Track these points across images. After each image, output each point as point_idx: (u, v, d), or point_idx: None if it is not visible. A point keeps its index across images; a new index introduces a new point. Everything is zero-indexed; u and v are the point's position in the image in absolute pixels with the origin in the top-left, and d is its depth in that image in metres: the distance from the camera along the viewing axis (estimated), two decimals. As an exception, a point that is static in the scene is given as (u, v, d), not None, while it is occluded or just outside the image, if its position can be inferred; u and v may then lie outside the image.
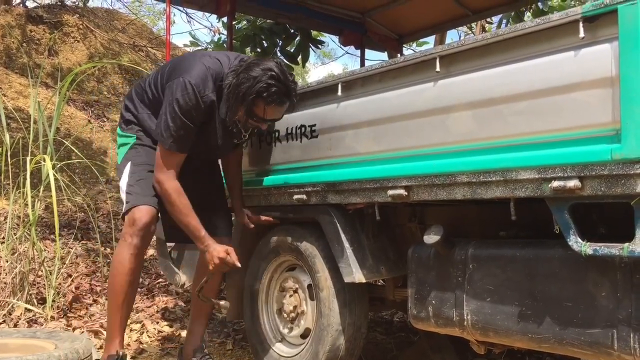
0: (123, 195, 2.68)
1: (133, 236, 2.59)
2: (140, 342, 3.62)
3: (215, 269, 2.64)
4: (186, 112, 2.51)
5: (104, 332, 3.75)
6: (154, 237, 4.00)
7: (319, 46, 6.01)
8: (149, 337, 3.69)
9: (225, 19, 4.78)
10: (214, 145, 2.71)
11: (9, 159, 4.00)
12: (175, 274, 3.55)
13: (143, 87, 2.78)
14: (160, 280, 4.76)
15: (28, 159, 3.92)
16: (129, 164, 2.70)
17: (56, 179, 4.02)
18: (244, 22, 5.79)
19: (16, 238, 3.95)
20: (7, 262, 3.88)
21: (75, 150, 4.33)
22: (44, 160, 3.90)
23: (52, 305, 3.82)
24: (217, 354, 3.52)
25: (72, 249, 4.79)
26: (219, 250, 2.58)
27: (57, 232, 3.85)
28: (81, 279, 4.43)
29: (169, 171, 2.58)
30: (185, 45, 10.49)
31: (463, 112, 2.10)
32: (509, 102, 1.96)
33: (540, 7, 5.56)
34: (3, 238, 4.11)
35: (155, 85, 2.71)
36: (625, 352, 1.77)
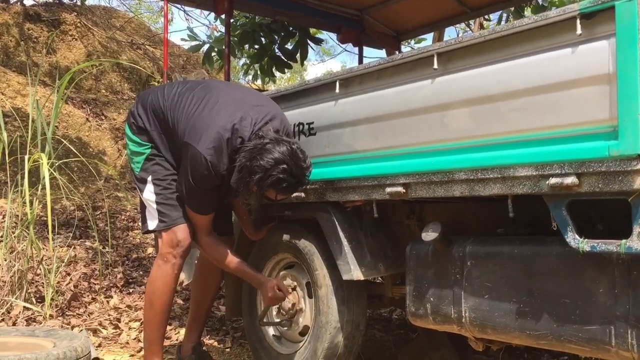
0: (152, 211, 2.73)
1: (177, 257, 2.70)
2: (139, 340, 3.62)
3: (270, 304, 2.80)
4: (202, 183, 2.55)
5: (103, 331, 3.76)
6: (153, 235, 4.00)
7: (318, 44, 6.00)
8: (147, 335, 3.68)
9: (223, 17, 4.76)
10: (224, 195, 2.75)
11: (6, 158, 4.00)
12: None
13: (160, 105, 2.73)
14: (159, 278, 4.75)
15: (26, 157, 3.91)
16: (150, 177, 2.73)
17: (54, 178, 4.02)
18: (243, 19, 5.77)
19: (14, 237, 3.94)
20: (6, 260, 3.88)
21: (73, 149, 4.33)
22: (42, 159, 3.90)
23: (50, 304, 3.82)
24: (215, 352, 3.52)
25: (70, 247, 4.79)
26: (269, 288, 2.71)
27: (50, 229, 3.84)
28: (80, 277, 4.43)
29: (200, 232, 2.73)
30: (182, 40, 10.47)
31: (461, 109, 2.10)
32: (506, 99, 1.96)
33: (540, 2, 5.55)
34: (1, 237, 4.11)
35: (172, 113, 2.68)
36: (622, 348, 1.77)
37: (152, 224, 2.73)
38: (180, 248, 2.69)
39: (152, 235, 4.70)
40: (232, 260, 2.75)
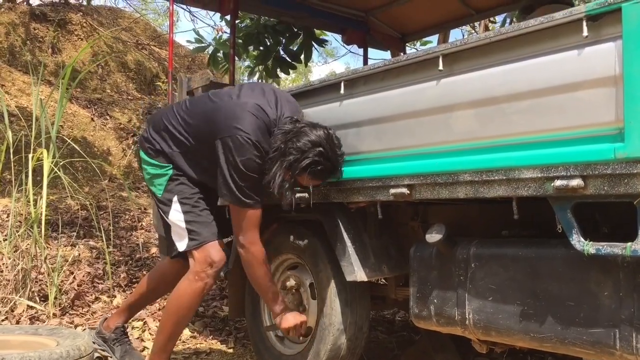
0: (181, 231, 2.66)
1: (210, 277, 2.64)
2: (142, 340, 3.63)
3: (285, 334, 2.76)
4: (254, 168, 2.45)
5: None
6: (157, 235, 3.99)
7: (322, 45, 6.01)
8: (150, 334, 3.69)
9: (228, 17, 4.77)
10: None
11: (11, 156, 4.01)
12: (177, 272, 3.55)
13: (174, 124, 2.69)
14: (162, 278, 4.76)
15: (30, 156, 3.92)
16: (175, 198, 2.67)
17: (57, 177, 4.03)
18: (248, 21, 5.79)
19: (18, 235, 3.95)
20: (10, 259, 3.88)
21: (77, 148, 4.33)
22: (43, 155, 3.91)
23: (54, 303, 3.83)
24: (218, 352, 3.52)
25: (74, 247, 4.80)
26: (290, 322, 2.64)
27: (43, 225, 3.84)
28: (84, 276, 4.44)
29: (252, 233, 2.55)
30: (188, 41, 10.51)
31: (466, 111, 2.09)
32: (512, 101, 1.95)
33: (544, 6, 5.52)
34: (6, 235, 4.12)
35: (187, 129, 2.64)
36: (627, 352, 1.76)
37: (182, 244, 2.66)
38: (215, 268, 2.63)
39: (157, 235, 4.72)
40: (268, 280, 2.65)
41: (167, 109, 2.82)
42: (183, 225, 2.66)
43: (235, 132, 2.41)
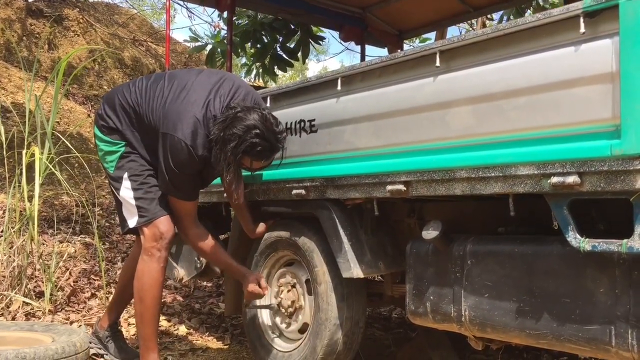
0: (131, 207, 2.71)
1: (161, 250, 2.69)
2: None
3: (249, 298, 2.85)
4: (185, 168, 2.57)
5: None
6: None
7: (320, 42, 5.99)
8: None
9: (225, 14, 4.75)
10: (207, 178, 2.81)
11: (4, 152, 3.99)
12: (174, 269, 3.55)
13: (129, 102, 2.73)
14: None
15: (24, 152, 3.91)
16: (125, 174, 2.72)
17: (52, 173, 4.02)
18: (245, 18, 5.77)
19: (14, 232, 3.94)
20: (5, 255, 3.87)
21: (69, 145, 4.31)
22: (36, 153, 3.89)
23: (50, 299, 3.82)
24: (215, 348, 3.52)
25: (70, 243, 4.78)
26: (250, 280, 2.77)
27: (36, 223, 3.83)
28: (79, 273, 4.43)
29: (186, 221, 2.75)
30: (185, 41, 10.50)
31: (463, 108, 2.09)
32: (508, 98, 1.95)
33: (541, 3, 5.54)
34: (1, 232, 4.10)
35: (145, 107, 2.69)
36: (622, 348, 1.77)
37: (132, 221, 2.71)
38: (164, 240, 2.67)
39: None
40: (216, 252, 2.80)
41: (123, 86, 2.85)
42: (133, 202, 2.70)
43: (174, 134, 2.52)
